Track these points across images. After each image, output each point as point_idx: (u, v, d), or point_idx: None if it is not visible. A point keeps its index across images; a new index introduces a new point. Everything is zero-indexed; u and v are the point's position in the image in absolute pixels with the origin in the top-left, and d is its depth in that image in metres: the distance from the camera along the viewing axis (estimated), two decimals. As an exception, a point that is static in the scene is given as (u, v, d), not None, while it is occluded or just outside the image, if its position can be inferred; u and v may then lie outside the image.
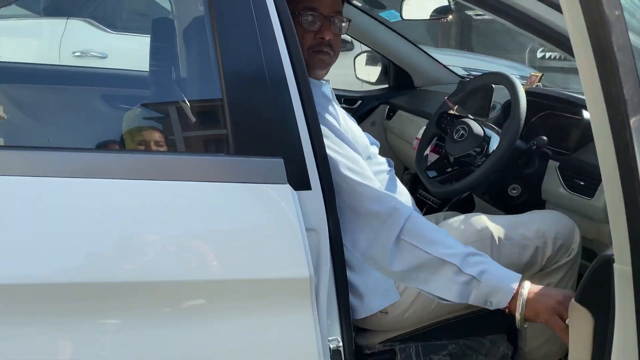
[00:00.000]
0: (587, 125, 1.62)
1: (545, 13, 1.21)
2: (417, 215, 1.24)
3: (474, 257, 1.18)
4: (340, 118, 1.33)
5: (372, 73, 3.12)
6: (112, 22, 4.80)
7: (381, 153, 1.74)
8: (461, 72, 3.24)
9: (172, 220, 0.98)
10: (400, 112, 2.73)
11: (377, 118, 2.93)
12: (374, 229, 1.17)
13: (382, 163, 1.51)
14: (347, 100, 2.96)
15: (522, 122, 1.51)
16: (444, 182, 1.71)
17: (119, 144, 1.40)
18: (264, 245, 1.02)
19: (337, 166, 1.18)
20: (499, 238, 1.39)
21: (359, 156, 1.27)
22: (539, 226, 1.41)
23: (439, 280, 1.17)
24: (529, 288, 1.15)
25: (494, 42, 5.25)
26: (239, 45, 1.01)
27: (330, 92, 1.47)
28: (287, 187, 1.01)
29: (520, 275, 1.18)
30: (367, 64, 3.16)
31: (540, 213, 1.51)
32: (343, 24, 1.38)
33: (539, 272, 1.42)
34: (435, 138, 1.88)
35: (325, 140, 1.14)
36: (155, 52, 1.74)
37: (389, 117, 2.85)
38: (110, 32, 4.70)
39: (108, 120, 1.93)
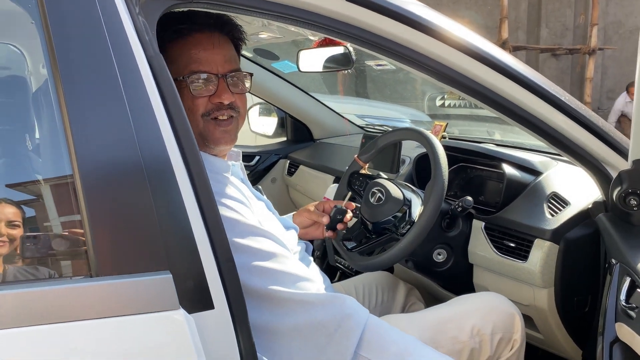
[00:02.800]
0: (510, 180, 1.51)
1: (461, 61, 1.08)
2: (376, 321, 1.00)
3: None
4: (253, 206, 1.08)
5: (268, 125, 2.92)
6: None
7: (284, 212, 1.51)
8: (357, 120, 3.16)
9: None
10: (302, 167, 2.54)
11: (278, 174, 2.72)
12: (318, 346, 0.91)
13: (302, 250, 1.27)
14: (244, 157, 2.70)
15: (446, 184, 1.36)
16: (363, 253, 1.50)
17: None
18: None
19: (252, 272, 0.92)
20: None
21: (284, 250, 1.02)
22: (473, 322, 1.23)
23: None
24: None
25: (393, 90, 5.34)
26: (98, 125, 0.73)
27: (242, 174, 1.22)
28: (180, 312, 0.73)
29: None
30: (260, 114, 2.96)
31: (472, 301, 1.32)
32: (245, 81, 1.14)
33: None
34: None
35: (234, 240, 0.89)
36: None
37: (290, 172, 2.64)
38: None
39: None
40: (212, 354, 0.78)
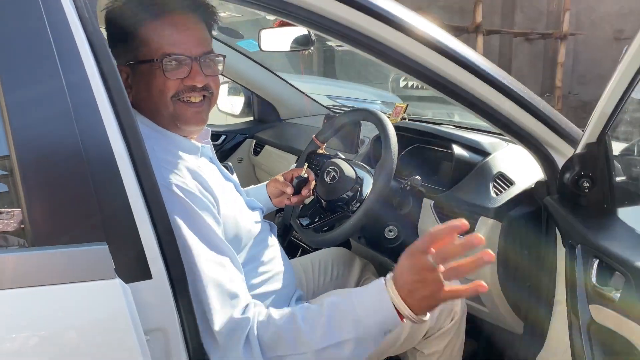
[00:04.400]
0: (459, 160, 1.57)
1: (409, 45, 1.11)
2: (261, 322, 0.95)
3: (335, 321, 0.92)
4: (215, 196, 1.07)
5: (236, 104, 2.93)
6: None
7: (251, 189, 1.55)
8: (326, 101, 3.18)
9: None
10: (267, 147, 2.57)
11: (244, 153, 2.74)
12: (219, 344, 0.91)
13: (264, 230, 1.29)
14: (210, 136, 2.72)
15: (395, 163, 1.40)
16: (318, 229, 1.55)
17: None
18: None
19: (191, 251, 0.93)
20: None
21: (225, 249, 1.01)
22: None
23: None
24: (393, 291, 0.89)
25: (357, 72, 5.37)
26: (34, 101, 0.75)
27: (211, 155, 1.22)
28: (116, 282, 0.76)
29: (381, 289, 0.91)
30: (229, 94, 2.96)
31: None
32: (218, 62, 1.13)
33: (423, 340, 1.31)
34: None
35: (181, 221, 0.92)
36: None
37: (256, 152, 2.67)
38: None
39: None
40: (151, 323, 0.82)
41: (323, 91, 4.28)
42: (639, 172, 1.17)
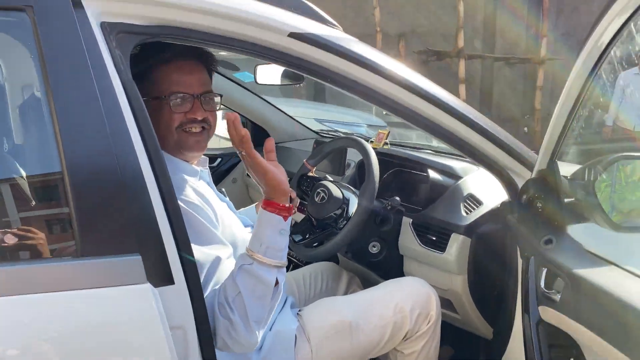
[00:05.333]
0: (433, 182, 1.76)
1: (384, 85, 1.30)
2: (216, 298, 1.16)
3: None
4: (215, 211, 1.28)
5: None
6: None
7: (246, 210, 1.71)
8: (315, 125, 3.38)
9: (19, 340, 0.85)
10: (259, 170, 2.74)
11: (238, 175, 2.91)
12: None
13: None
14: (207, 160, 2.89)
15: (377, 186, 1.60)
16: (308, 245, 1.73)
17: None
18: (129, 353, 0.93)
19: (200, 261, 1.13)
20: (358, 324, 1.43)
21: (221, 248, 1.23)
22: (397, 300, 1.47)
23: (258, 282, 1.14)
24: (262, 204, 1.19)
25: (345, 97, 5.61)
26: (83, 135, 0.93)
27: (208, 180, 1.41)
28: (147, 287, 0.94)
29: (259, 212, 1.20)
30: (224, 118, 3.14)
31: (397, 283, 1.57)
32: (216, 100, 1.35)
33: (403, 341, 1.49)
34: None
35: (192, 234, 1.10)
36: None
37: (249, 174, 2.84)
38: None
39: None
40: (173, 320, 0.99)
41: (312, 115, 4.49)
42: (584, 194, 1.36)
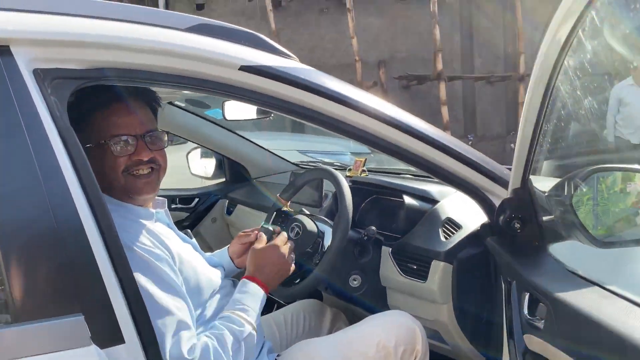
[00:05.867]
0: (409, 208, 1.70)
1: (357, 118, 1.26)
2: (218, 349, 1.17)
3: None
4: (174, 254, 1.21)
5: (208, 166, 3.05)
6: None
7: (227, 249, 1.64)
8: (297, 156, 3.33)
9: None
10: (240, 206, 2.68)
11: (217, 214, 2.84)
12: None
13: (228, 286, 1.40)
14: (183, 200, 2.84)
15: (350, 215, 1.53)
16: (286, 284, 1.65)
17: None
18: None
19: (151, 296, 1.06)
20: None
21: (180, 305, 1.15)
22: (379, 338, 1.39)
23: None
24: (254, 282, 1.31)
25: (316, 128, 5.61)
26: (14, 190, 0.87)
27: (167, 221, 1.35)
28: (92, 349, 0.86)
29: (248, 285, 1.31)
30: (201, 157, 3.09)
31: (379, 319, 1.49)
32: (163, 137, 1.28)
33: None
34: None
35: (146, 286, 1.04)
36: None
37: (229, 212, 2.78)
38: None
39: None
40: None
41: (295, 146, 4.45)
42: (563, 211, 1.31)
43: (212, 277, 1.35)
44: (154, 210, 1.31)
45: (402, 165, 2.85)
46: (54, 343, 0.84)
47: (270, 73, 1.18)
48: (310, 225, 1.64)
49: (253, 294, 1.30)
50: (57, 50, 1.00)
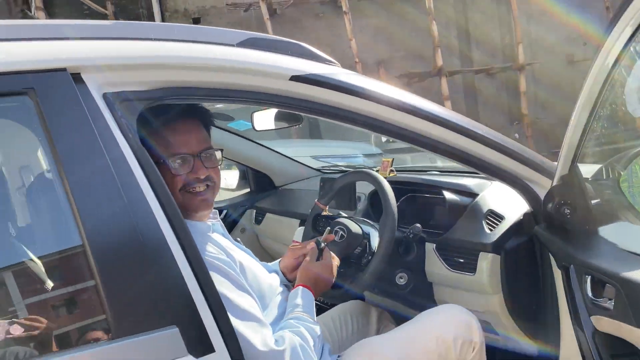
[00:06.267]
0: (451, 204, 1.73)
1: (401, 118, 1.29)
2: (303, 343, 1.22)
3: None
4: (236, 260, 1.25)
5: (231, 179, 3.08)
6: None
7: (259, 259, 1.66)
8: (313, 162, 3.37)
9: None
10: (268, 215, 2.71)
11: (246, 224, 2.87)
12: None
13: (286, 292, 1.43)
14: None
15: (396, 215, 1.56)
16: (334, 286, 1.67)
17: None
18: None
19: (237, 317, 1.08)
20: None
21: (254, 304, 1.20)
22: (437, 332, 1.42)
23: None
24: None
25: (342, 131, 5.66)
26: (101, 209, 0.90)
27: (222, 231, 1.38)
28: (189, 358, 0.88)
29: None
30: (223, 169, 3.12)
31: (434, 314, 1.52)
32: (217, 155, 1.33)
33: None
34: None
35: (222, 291, 1.05)
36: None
37: (258, 221, 2.80)
38: None
39: None
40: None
41: (307, 153, 4.48)
42: (609, 193, 1.34)
43: (272, 282, 1.39)
44: (210, 223, 1.34)
45: (425, 163, 2.88)
46: (155, 355, 0.87)
47: (318, 80, 1.21)
48: (354, 227, 1.66)
49: (310, 301, 1.37)
50: (120, 74, 1.03)
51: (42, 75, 0.91)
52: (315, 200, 1.86)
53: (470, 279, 1.59)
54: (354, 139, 5.24)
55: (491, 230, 1.60)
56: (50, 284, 0.93)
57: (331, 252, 1.50)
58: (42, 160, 0.97)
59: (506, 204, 1.66)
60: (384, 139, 3.25)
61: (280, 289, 1.42)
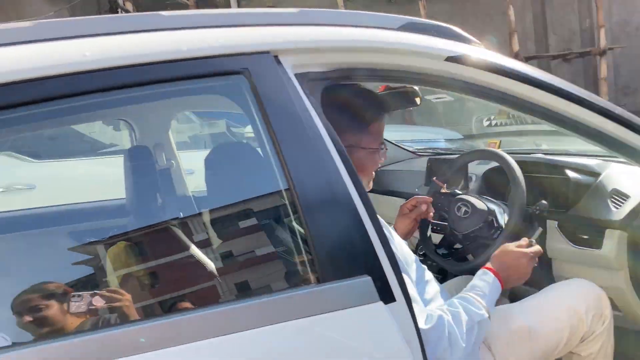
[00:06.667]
0: (574, 183, 1.78)
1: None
2: (452, 324, 1.26)
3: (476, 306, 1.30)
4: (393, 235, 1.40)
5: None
6: (33, 150, 4.57)
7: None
8: (408, 146, 3.46)
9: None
10: (369, 194, 2.82)
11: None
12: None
13: (425, 269, 1.55)
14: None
15: (525, 191, 1.63)
16: (460, 259, 1.77)
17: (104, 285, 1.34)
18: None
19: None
20: (535, 329, 1.44)
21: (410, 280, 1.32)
22: (569, 303, 1.48)
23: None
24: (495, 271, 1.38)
25: (440, 117, 5.71)
26: (309, 174, 1.04)
27: None
28: (381, 305, 1.01)
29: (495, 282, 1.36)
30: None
31: (565, 286, 1.57)
32: None
33: (580, 344, 1.49)
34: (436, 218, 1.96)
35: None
36: (136, 180, 1.72)
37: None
38: (33, 162, 4.45)
39: (84, 261, 1.81)
40: (405, 335, 1.05)
41: (391, 138, 4.56)
42: None
43: (404, 246, 1.50)
44: None
45: (530, 146, 2.91)
46: (355, 299, 1.00)
47: (470, 61, 1.30)
48: (479, 204, 1.75)
49: (493, 286, 1.36)
50: (307, 57, 1.16)
51: (253, 57, 1.06)
52: (434, 178, 1.96)
53: (597, 254, 1.64)
54: (450, 126, 5.26)
55: (617, 208, 1.65)
56: (270, 243, 1.09)
57: (538, 248, 1.45)
58: (259, 133, 1.12)
59: (630, 183, 1.70)
60: (485, 123, 3.30)
61: (413, 255, 1.53)
